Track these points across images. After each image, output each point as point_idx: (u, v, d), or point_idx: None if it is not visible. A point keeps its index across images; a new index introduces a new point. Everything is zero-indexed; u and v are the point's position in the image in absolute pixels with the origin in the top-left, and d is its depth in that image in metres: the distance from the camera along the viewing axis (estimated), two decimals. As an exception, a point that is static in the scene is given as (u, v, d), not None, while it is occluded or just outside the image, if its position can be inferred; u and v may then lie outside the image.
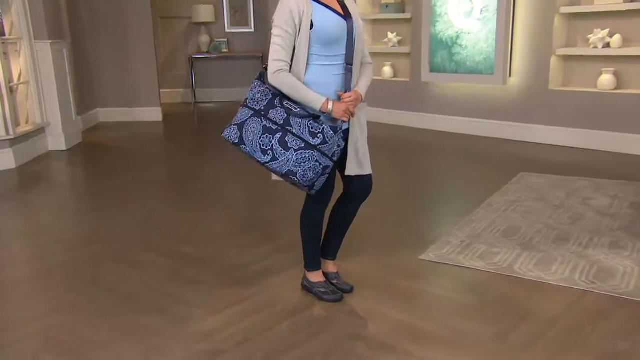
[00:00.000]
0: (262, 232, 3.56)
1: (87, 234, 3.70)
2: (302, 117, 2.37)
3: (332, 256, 2.81)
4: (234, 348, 2.28)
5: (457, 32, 6.45)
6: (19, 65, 5.79)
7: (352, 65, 2.44)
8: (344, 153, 2.53)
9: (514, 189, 4.39)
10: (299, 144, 2.35)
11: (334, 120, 2.43)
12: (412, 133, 6.91)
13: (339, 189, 2.66)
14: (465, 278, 2.89)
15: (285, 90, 2.38)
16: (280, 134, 2.36)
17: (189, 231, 3.67)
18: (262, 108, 2.39)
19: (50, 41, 5.85)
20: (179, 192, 4.61)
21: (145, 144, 6.70)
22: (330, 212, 2.74)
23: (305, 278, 2.78)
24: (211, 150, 6.12)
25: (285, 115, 2.37)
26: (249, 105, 2.43)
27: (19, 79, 5.80)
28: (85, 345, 2.33)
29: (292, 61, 2.38)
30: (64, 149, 6.11)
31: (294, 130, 2.36)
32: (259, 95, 2.41)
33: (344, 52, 2.42)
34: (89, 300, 2.75)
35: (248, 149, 2.39)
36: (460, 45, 6.44)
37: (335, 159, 2.43)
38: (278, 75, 2.37)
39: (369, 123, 2.64)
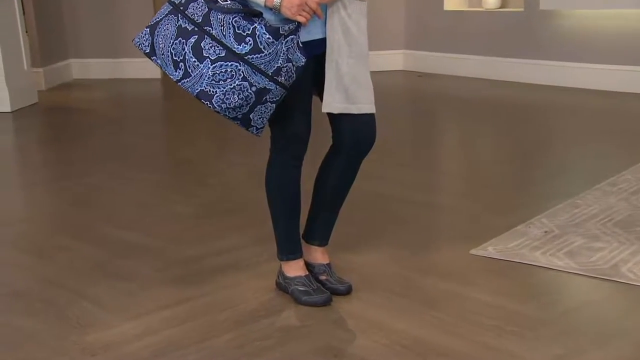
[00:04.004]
0: (240, 218, 3.59)
1: (1, 215, 3.84)
2: (227, 12, 2.30)
3: (320, 240, 2.73)
4: (136, 365, 2.27)
5: None
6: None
7: None
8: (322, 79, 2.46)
9: (659, 164, 4.19)
10: (217, 51, 2.29)
11: (288, 21, 2.34)
12: (525, 91, 6.76)
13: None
14: (535, 281, 2.80)
15: None
16: (196, 36, 2.31)
17: (142, 213, 3.73)
18: (182, 1, 2.37)
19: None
20: (147, 165, 4.71)
21: (128, 107, 6.90)
22: (316, 175, 2.69)
23: (280, 273, 2.71)
24: (214, 115, 6.19)
25: (206, 9, 2.32)
26: None
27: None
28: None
29: None
30: (9, 110, 6.36)
31: (214, 32, 2.29)
32: None
33: None
34: (-33, 298, 2.83)
35: (159, 61, 2.38)
36: (599, -49, 6.19)
37: (282, 79, 2.33)
38: None
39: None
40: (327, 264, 2.73)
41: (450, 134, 5.75)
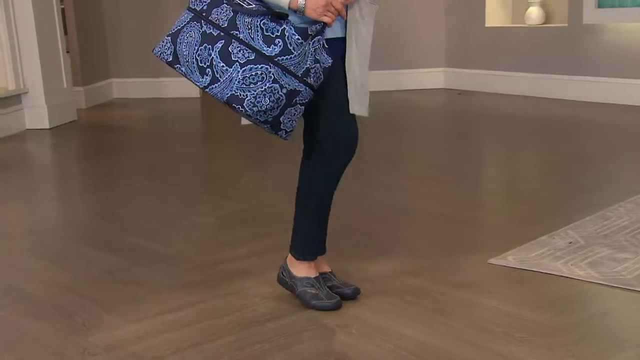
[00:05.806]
0: (260, 228, 3.61)
1: (26, 224, 3.96)
2: (253, 14, 2.33)
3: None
4: (136, 366, 2.29)
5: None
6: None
7: None
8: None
9: (700, 177, 4.09)
10: (246, 55, 2.31)
11: (313, 22, 2.36)
12: (569, 108, 6.69)
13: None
14: (552, 290, 2.75)
15: None
16: (223, 41, 2.34)
17: (163, 224, 3.78)
18: (205, 7, 2.40)
19: (28, -25, 6.30)
20: (176, 180, 4.77)
21: (165, 125, 7.03)
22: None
23: (285, 269, 2.69)
24: (250, 133, 6.25)
25: (232, 14, 2.35)
26: (190, 5, 2.45)
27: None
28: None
29: None
30: (47, 127, 6.51)
31: (241, 35, 2.32)
32: None
33: None
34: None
35: (183, 68, 2.40)
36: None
37: (311, 81, 2.36)
38: None
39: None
40: (330, 272, 2.72)
41: (489, 151, 5.68)
